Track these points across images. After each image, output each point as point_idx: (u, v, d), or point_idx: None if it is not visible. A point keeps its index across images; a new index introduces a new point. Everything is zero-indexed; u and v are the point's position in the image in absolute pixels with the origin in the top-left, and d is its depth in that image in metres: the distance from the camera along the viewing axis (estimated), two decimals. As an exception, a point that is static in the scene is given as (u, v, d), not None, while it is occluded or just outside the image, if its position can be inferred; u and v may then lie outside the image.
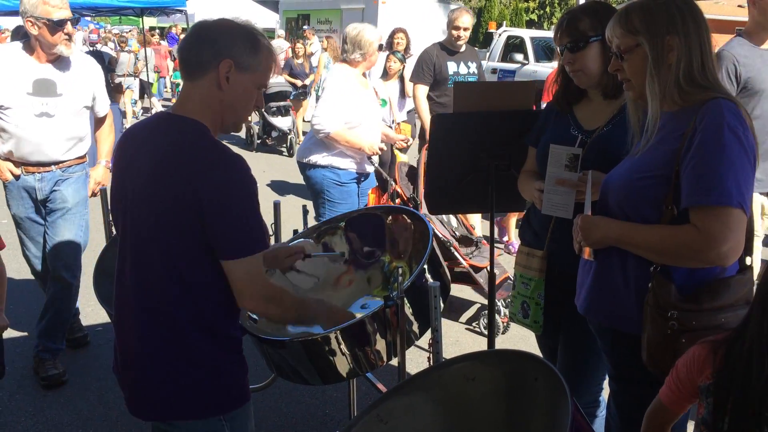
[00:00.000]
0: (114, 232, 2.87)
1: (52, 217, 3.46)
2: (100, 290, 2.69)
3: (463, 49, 5.53)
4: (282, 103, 10.42)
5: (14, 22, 17.25)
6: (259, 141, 10.66)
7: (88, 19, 19.71)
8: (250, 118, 10.84)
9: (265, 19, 18.93)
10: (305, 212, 2.76)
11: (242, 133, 10.91)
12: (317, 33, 15.17)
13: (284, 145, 10.59)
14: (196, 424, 1.72)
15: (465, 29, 5.38)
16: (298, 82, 11.29)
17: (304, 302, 2.01)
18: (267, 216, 2.95)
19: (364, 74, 4.19)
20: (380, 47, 4.25)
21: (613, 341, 1.88)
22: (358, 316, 1.93)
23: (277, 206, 3.01)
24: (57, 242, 3.46)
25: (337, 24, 16.79)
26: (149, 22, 17.62)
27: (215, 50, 1.65)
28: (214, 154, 1.62)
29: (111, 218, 3.04)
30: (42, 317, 3.51)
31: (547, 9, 29.04)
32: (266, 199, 3.01)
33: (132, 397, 1.77)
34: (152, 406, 1.73)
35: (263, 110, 9.83)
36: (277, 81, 10.41)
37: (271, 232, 2.90)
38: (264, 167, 9.14)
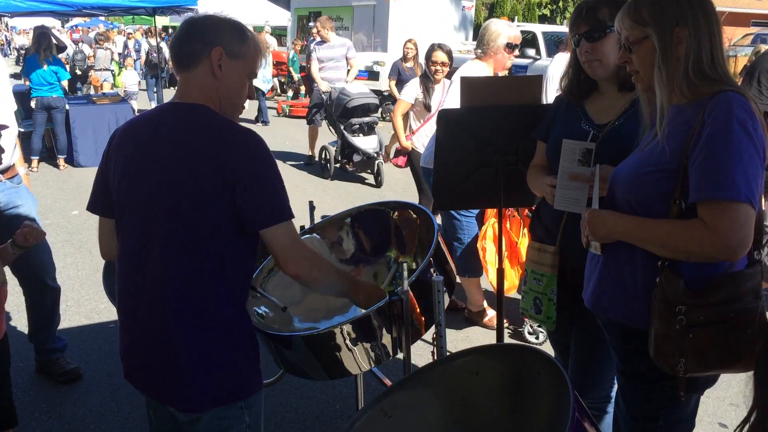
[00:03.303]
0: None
1: None
2: (110, 288, 2.70)
3: None
4: (366, 119, 8.00)
5: (31, 22, 17.46)
6: (337, 166, 8.28)
7: (102, 18, 19.91)
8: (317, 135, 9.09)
9: (276, 16, 18.94)
10: (312, 208, 2.75)
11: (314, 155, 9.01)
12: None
13: (369, 171, 8.23)
14: (217, 411, 1.69)
15: None
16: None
17: (339, 271, 2.03)
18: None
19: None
20: (512, 46, 3.76)
21: (621, 336, 1.87)
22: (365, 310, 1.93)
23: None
24: (40, 257, 3.34)
25: (348, 21, 16.79)
26: (162, 21, 17.73)
27: (206, 40, 1.72)
28: (236, 130, 1.69)
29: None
30: (44, 325, 3.52)
31: (560, 4, 28.87)
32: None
33: (167, 390, 1.71)
34: (193, 395, 1.67)
35: (343, 128, 7.91)
36: (360, 91, 8.10)
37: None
38: (340, 200, 7.31)
